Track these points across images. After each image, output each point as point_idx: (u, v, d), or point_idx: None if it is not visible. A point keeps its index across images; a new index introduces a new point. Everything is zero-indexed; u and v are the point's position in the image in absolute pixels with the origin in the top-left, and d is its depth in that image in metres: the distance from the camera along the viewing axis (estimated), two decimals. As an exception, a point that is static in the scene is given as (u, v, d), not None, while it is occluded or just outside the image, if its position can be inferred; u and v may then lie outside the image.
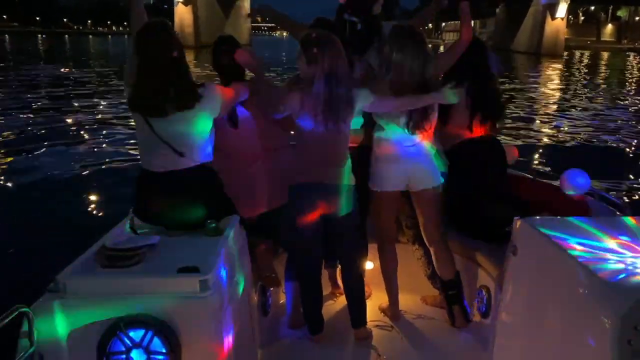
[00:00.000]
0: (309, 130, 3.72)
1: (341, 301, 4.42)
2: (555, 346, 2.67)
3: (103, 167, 12.77)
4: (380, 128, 3.99)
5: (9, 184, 11.33)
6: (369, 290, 4.45)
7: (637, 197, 10.84)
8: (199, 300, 2.59)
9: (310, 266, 4.00)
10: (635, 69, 51.44)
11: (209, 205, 3.40)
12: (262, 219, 4.04)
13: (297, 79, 3.95)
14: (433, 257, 4.20)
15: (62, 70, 37.97)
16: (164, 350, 2.55)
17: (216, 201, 3.46)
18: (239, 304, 3.09)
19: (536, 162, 13.60)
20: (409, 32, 3.89)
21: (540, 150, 15.25)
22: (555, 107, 25.05)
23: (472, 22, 4.31)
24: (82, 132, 16.64)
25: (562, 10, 70.76)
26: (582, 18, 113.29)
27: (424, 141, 3.97)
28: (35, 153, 13.85)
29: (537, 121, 20.39)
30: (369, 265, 4.42)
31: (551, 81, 37.57)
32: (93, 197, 10.59)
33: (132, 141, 14.51)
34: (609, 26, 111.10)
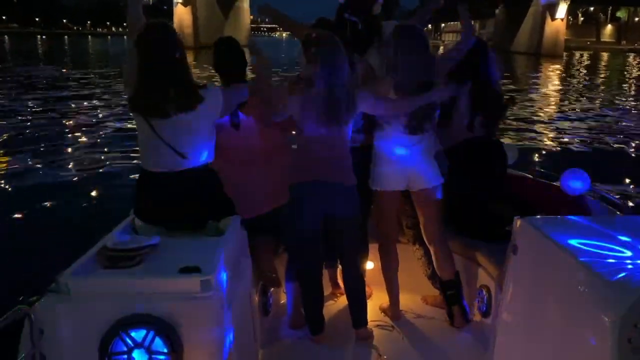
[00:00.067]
0: (309, 131, 3.73)
1: (342, 301, 4.43)
2: (555, 345, 2.67)
3: (103, 167, 12.77)
4: (380, 128, 4.00)
5: (9, 185, 11.33)
6: (369, 290, 4.45)
7: (636, 196, 10.85)
8: (201, 300, 2.60)
9: (310, 266, 4.00)
10: (635, 70, 51.43)
11: (210, 205, 3.41)
12: (262, 219, 4.04)
13: (297, 79, 3.95)
14: (433, 257, 4.21)
15: (63, 71, 37.98)
16: (165, 351, 2.56)
17: (217, 202, 3.47)
18: (240, 304, 3.10)
19: (536, 162, 13.60)
20: (413, 32, 3.90)
21: (540, 150, 15.26)
22: (555, 107, 25.08)
23: (472, 22, 4.32)
24: (82, 133, 16.61)
25: (561, 10, 70.80)
26: (582, 19, 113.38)
27: (424, 141, 3.97)
28: (36, 154, 13.84)
29: (537, 121, 20.39)
30: (369, 265, 4.43)
31: (551, 82, 37.58)
32: (94, 198, 10.59)
33: (132, 142, 14.51)
34: (609, 27, 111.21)
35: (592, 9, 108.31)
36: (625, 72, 48.57)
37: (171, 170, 3.34)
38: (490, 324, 3.83)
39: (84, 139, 15.88)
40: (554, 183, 4.66)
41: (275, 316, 4.28)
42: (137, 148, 3.57)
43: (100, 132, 16.74)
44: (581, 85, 35.11)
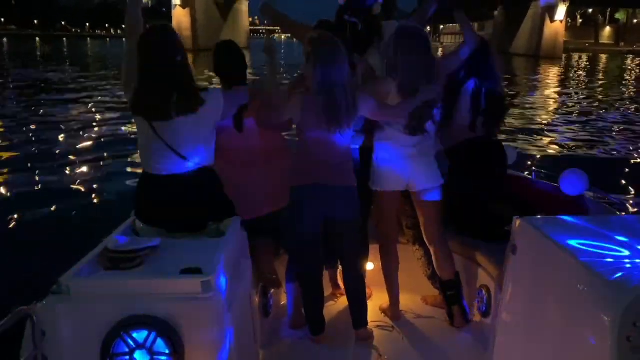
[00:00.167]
0: (309, 133, 3.74)
1: (342, 302, 4.44)
2: (555, 344, 2.68)
3: (104, 169, 12.79)
4: (381, 128, 4.01)
5: (11, 187, 11.34)
6: (369, 290, 4.46)
7: (634, 196, 10.88)
8: (202, 301, 2.61)
9: (311, 267, 4.01)
10: (634, 72, 51.47)
11: (211, 207, 3.42)
12: (263, 221, 4.05)
13: (301, 79, 3.97)
14: (433, 258, 4.22)
15: (62, 73, 37.94)
16: (167, 351, 2.57)
17: (217, 203, 3.48)
18: (241, 305, 3.11)
19: (536, 162, 13.63)
20: (414, 33, 3.91)
21: (540, 151, 15.29)
22: (554, 108, 25.10)
23: (471, 25, 4.32)
24: (83, 135, 16.64)
25: (561, 12, 70.83)
26: (580, 21, 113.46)
27: (424, 141, 3.98)
28: (37, 156, 13.86)
29: (537, 122, 20.42)
30: (369, 265, 4.44)
31: (551, 83, 37.62)
32: (95, 200, 10.60)
33: (133, 144, 14.50)
34: (607, 29, 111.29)
35: (590, 10, 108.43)
36: (624, 74, 48.61)
37: (172, 172, 3.34)
38: (490, 324, 3.84)
39: (84, 141, 15.88)
40: (553, 183, 4.67)
41: (276, 317, 4.29)
42: (138, 150, 3.58)
43: (101, 134, 16.76)
44: (580, 87, 35.16)
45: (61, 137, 16.27)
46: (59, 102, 23.68)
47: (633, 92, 33.27)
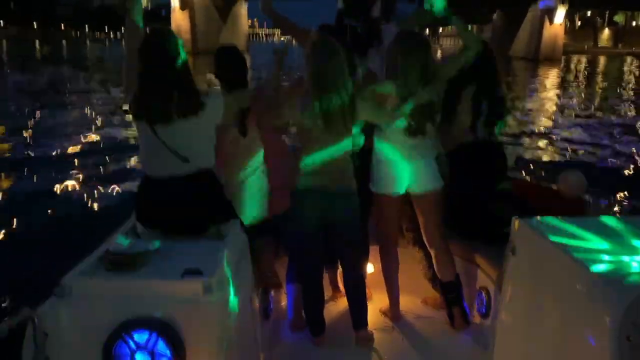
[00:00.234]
0: (310, 135, 3.75)
1: (342, 303, 4.44)
2: (555, 345, 2.70)
3: (104, 171, 12.81)
4: (380, 131, 4.02)
5: (12, 190, 11.35)
6: (370, 292, 4.46)
7: (632, 197, 10.90)
8: (203, 303, 2.62)
9: (311, 269, 4.02)
10: (633, 74, 51.49)
11: (211, 209, 3.42)
12: (263, 223, 4.06)
13: (300, 81, 3.99)
14: (433, 260, 4.23)
15: (62, 75, 37.93)
16: (168, 353, 2.57)
17: (218, 205, 3.49)
18: (242, 307, 3.11)
19: (535, 163, 13.65)
20: (413, 37, 3.92)
21: (539, 153, 15.32)
22: (554, 110, 25.11)
23: (469, 28, 4.33)
24: (84, 137, 16.64)
25: (560, 15, 70.74)
26: (579, 23, 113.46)
27: (424, 143, 3.99)
28: (38, 159, 13.89)
29: (536, 124, 20.45)
30: (369, 267, 4.45)
31: (550, 86, 37.59)
32: (96, 203, 10.62)
33: (133, 146, 14.53)
34: (606, 31, 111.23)
35: (589, 13, 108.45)
36: (624, 76, 48.63)
37: (173, 175, 3.35)
38: (489, 325, 3.85)
39: (85, 143, 15.90)
40: (552, 185, 4.68)
41: (276, 319, 4.29)
42: (138, 152, 3.59)
43: (101, 137, 16.78)
44: (580, 90, 35.17)
45: (62, 140, 16.25)
46: (58, 105, 23.69)
47: (632, 94, 33.29)
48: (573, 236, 2.82)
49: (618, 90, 34.88)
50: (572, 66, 62.66)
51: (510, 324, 3.27)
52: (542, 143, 16.90)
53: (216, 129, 3.50)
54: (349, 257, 4.06)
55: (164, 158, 3.31)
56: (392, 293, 4.34)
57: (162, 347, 2.57)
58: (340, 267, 4.35)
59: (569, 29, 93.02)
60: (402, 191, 4.10)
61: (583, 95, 31.73)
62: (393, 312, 4.38)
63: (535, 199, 4.46)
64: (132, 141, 15.13)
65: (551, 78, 43.72)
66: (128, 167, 12.76)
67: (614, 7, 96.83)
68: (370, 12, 4.25)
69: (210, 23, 75.34)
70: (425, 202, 4.10)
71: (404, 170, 4.00)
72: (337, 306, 4.57)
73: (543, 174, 12.17)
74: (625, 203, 10.11)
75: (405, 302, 4.45)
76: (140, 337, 2.58)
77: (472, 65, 4.04)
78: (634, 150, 15.82)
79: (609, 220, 3.10)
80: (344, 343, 4.06)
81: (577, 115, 23.16)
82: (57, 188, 11.44)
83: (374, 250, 4.36)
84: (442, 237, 4.18)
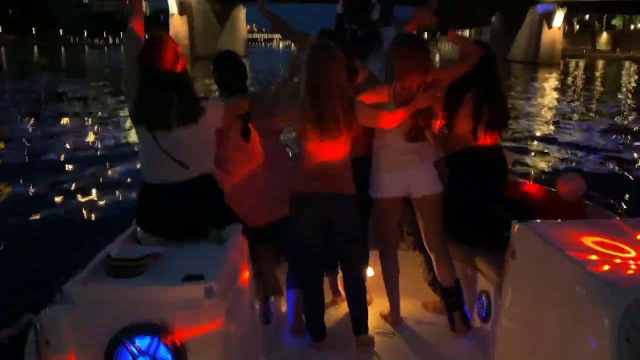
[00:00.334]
0: (307, 140, 3.76)
1: (343, 308, 4.44)
2: (555, 347, 2.70)
3: (105, 178, 12.81)
4: (380, 135, 4.02)
5: (13, 196, 11.36)
6: (370, 296, 4.46)
7: (630, 199, 10.93)
8: (204, 308, 2.63)
9: (311, 274, 4.03)
10: (632, 78, 51.57)
11: (211, 214, 3.43)
12: (264, 229, 4.07)
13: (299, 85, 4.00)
14: (434, 264, 4.23)
15: (62, 82, 37.92)
16: (170, 358, 2.59)
17: (218, 210, 3.50)
18: (243, 311, 3.13)
19: (533, 166, 13.67)
20: (412, 40, 3.92)
21: (538, 156, 15.35)
22: (553, 113, 25.12)
23: (467, 31, 4.34)
24: (84, 144, 16.65)
25: (558, 19, 70.75)
26: (577, 27, 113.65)
27: (424, 148, 3.99)
28: (38, 165, 13.91)
29: (536, 127, 20.48)
30: (370, 272, 4.46)
31: (549, 89, 37.65)
32: (96, 208, 10.63)
33: (134, 152, 14.54)
34: (604, 35, 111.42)
35: (587, 17, 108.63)
36: (622, 80, 48.72)
37: (172, 180, 3.36)
38: (490, 329, 3.86)
39: (85, 150, 15.89)
40: (551, 188, 4.69)
41: (277, 324, 4.29)
42: (138, 159, 3.60)
43: (102, 143, 16.77)
44: (579, 93, 35.19)
45: (62, 146, 16.25)
46: (56, 111, 23.66)
47: (631, 97, 33.34)
48: (573, 239, 2.83)
49: (617, 94, 34.93)
50: (571, 70, 62.75)
51: (511, 327, 3.28)
52: (541, 146, 16.90)
53: (216, 134, 3.51)
54: (349, 262, 4.06)
55: (163, 164, 3.32)
56: (392, 297, 4.34)
57: (163, 352, 2.58)
58: (340, 271, 4.35)
59: (567, 33, 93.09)
60: (401, 196, 4.10)
61: (582, 98, 31.75)
62: (393, 317, 4.38)
63: (534, 203, 4.47)
64: (133, 147, 15.14)
65: (550, 82, 43.78)
66: (129, 173, 12.75)
67: (612, 11, 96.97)
68: (369, 15, 4.27)
69: (209, 28, 75.36)
70: (425, 206, 4.11)
71: (403, 175, 4.00)
72: (338, 311, 4.57)
73: (542, 178, 12.20)
74: (624, 206, 10.14)
75: (406, 306, 4.45)
76: (142, 342, 2.59)
77: (473, 68, 4.03)
78: (633, 153, 15.84)
79: (608, 223, 3.11)
80: (345, 348, 4.06)
81: (576, 119, 23.19)
82: (58, 194, 11.43)
83: (374, 255, 4.36)
84: (442, 241, 4.18)
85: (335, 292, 4.72)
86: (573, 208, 4.30)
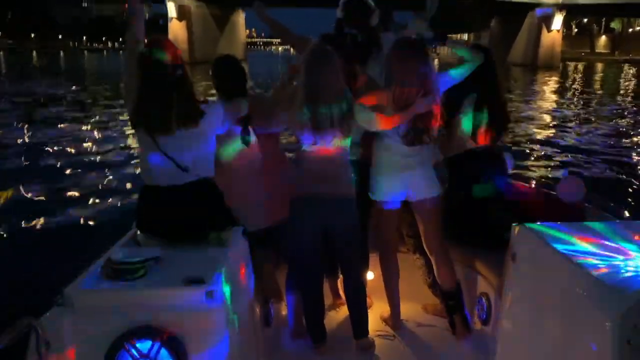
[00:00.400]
0: (306, 144, 3.76)
1: (343, 311, 4.44)
2: (556, 350, 2.71)
3: (104, 182, 12.81)
4: (379, 138, 4.02)
5: (14, 200, 11.36)
6: (370, 300, 4.46)
7: (631, 202, 10.95)
8: (205, 311, 2.64)
9: (311, 277, 4.02)
10: (631, 80, 51.65)
11: (211, 217, 3.44)
12: (264, 232, 4.07)
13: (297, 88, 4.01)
14: (434, 267, 4.23)
15: (60, 87, 37.93)
16: None
17: (218, 213, 3.50)
18: (243, 314, 3.13)
19: (533, 169, 13.69)
20: (411, 45, 3.93)
21: (538, 159, 15.37)
22: (553, 116, 25.16)
23: (466, 35, 4.35)
24: (83, 148, 16.66)
25: (557, 22, 70.92)
26: (576, 30, 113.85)
27: (423, 151, 3.99)
28: (37, 170, 13.90)
29: (535, 130, 20.52)
30: (370, 275, 4.45)
31: (549, 92, 37.75)
32: (97, 213, 10.63)
33: (133, 156, 14.57)
34: (603, 38, 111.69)
35: (586, 20, 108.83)
36: (622, 83, 48.82)
37: (172, 184, 3.37)
38: (490, 332, 3.86)
39: (85, 154, 15.90)
40: (551, 191, 4.69)
41: (277, 327, 4.29)
42: (138, 162, 3.61)
43: (101, 147, 16.78)
44: (579, 96, 35.26)
45: (62, 150, 16.28)
46: (57, 115, 23.69)
47: (630, 100, 33.41)
48: (573, 241, 2.84)
49: (617, 97, 35.00)
50: (570, 73, 62.86)
51: (511, 329, 3.28)
52: (541, 149, 16.93)
53: (217, 138, 3.52)
54: (349, 264, 4.06)
55: (164, 168, 3.32)
56: (392, 300, 4.34)
57: (164, 355, 2.58)
58: (340, 274, 4.36)
59: (566, 36, 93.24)
60: (401, 199, 4.11)
61: (582, 101, 31.81)
62: (394, 320, 4.38)
63: (534, 205, 4.47)
64: (133, 152, 15.16)
65: (550, 84, 43.85)
66: (129, 177, 12.76)
67: (611, 14, 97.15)
68: (369, 20, 4.28)
69: (208, 33, 75.49)
70: (425, 209, 4.10)
71: (402, 178, 4.00)
72: (338, 314, 4.57)
73: (542, 180, 12.23)
74: (624, 208, 10.16)
75: (406, 309, 4.45)
76: (143, 346, 2.59)
77: (473, 72, 4.03)
78: (633, 156, 15.88)
79: (608, 226, 3.11)
80: (345, 351, 4.06)
81: (576, 122, 23.23)
82: (58, 198, 11.45)
83: (374, 258, 4.36)
84: (442, 243, 4.18)
85: (336, 295, 4.71)
86: (573, 211, 4.30)
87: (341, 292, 4.52)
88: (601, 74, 62.27)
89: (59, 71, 59.69)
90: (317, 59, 3.65)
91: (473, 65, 3.96)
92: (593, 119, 23.99)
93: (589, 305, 2.43)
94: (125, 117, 3.54)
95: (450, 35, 4.23)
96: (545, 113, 26.41)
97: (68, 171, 13.83)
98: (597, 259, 2.63)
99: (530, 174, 12.93)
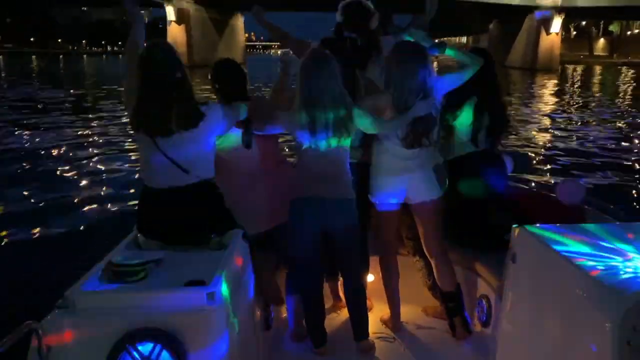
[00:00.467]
0: (306, 147, 3.77)
1: (343, 314, 4.45)
2: (556, 351, 2.71)
3: (105, 184, 12.80)
4: (379, 141, 4.03)
5: (15, 203, 11.35)
6: (370, 302, 4.47)
7: (630, 204, 10.96)
8: (206, 313, 2.64)
9: (311, 280, 4.03)
10: (629, 83, 51.69)
11: (212, 219, 3.45)
12: (264, 235, 4.07)
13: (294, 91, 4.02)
14: (433, 269, 4.23)
15: (60, 91, 37.93)
16: None
17: (218, 215, 3.51)
18: (244, 317, 3.13)
19: (533, 171, 13.70)
20: (410, 48, 3.93)
21: (538, 161, 15.37)
22: (552, 119, 25.14)
23: (465, 38, 4.36)
24: (83, 151, 16.65)
25: (556, 25, 70.87)
26: (574, 33, 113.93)
27: (423, 154, 3.99)
28: (38, 173, 13.90)
29: (535, 132, 20.52)
30: (370, 277, 4.46)
31: (548, 95, 37.75)
32: (97, 215, 10.63)
33: (134, 159, 14.56)
34: (601, 41, 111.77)
35: (584, 23, 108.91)
36: (620, 85, 48.85)
37: (173, 186, 3.37)
38: (490, 334, 3.86)
39: (85, 157, 15.87)
40: (551, 193, 4.70)
41: (278, 329, 4.29)
42: (138, 165, 3.61)
43: (102, 150, 16.77)
44: (578, 99, 35.27)
45: (62, 154, 16.27)
46: (56, 119, 23.67)
47: (629, 103, 33.44)
48: (572, 243, 2.84)
49: (616, 99, 35.02)
50: (569, 76, 62.89)
51: (512, 331, 3.28)
52: (540, 151, 16.94)
53: (217, 140, 3.53)
54: (349, 267, 4.06)
55: (164, 170, 3.33)
56: (392, 303, 4.34)
57: (166, 357, 2.58)
58: (340, 276, 4.36)
59: (565, 39, 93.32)
60: (400, 201, 4.11)
61: (581, 104, 31.83)
62: (394, 322, 4.39)
63: (534, 207, 4.48)
64: (133, 153, 15.16)
65: (549, 87, 43.87)
66: (129, 180, 12.73)
67: (609, 17, 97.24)
68: (368, 24, 4.29)
69: (207, 36, 75.40)
70: (424, 211, 4.11)
71: (402, 180, 4.01)
72: (338, 316, 4.58)
73: (542, 182, 12.23)
74: (623, 210, 10.15)
75: (406, 312, 4.45)
76: (144, 348, 2.59)
77: (473, 75, 4.04)
78: (632, 158, 15.88)
79: (607, 227, 3.12)
80: (346, 353, 4.06)
81: (575, 124, 23.23)
82: (59, 201, 11.44)
83: (374, 260, 4.37)
84: (441, 246, 4.19)
85: (336, 297, 4.72)
86: (573, 213, 4.31)
87: (341, 294, 4.52)
88: (600, 77, 62.27)
89: (59, 75, 59.66)
90: (315, 64, 3.66)
91: (473, 69, 3.97)
92: (592, 122, 23.98)
93: (589, 307, 2.44)
94: (125, 120, 3.54)
95: (448, 38, 4.24)
96: (544, 115, 26.39)
97: (69, 174, 13.83)
98: (596, 261, 2.64)
99: (529, 176, 12.93)
